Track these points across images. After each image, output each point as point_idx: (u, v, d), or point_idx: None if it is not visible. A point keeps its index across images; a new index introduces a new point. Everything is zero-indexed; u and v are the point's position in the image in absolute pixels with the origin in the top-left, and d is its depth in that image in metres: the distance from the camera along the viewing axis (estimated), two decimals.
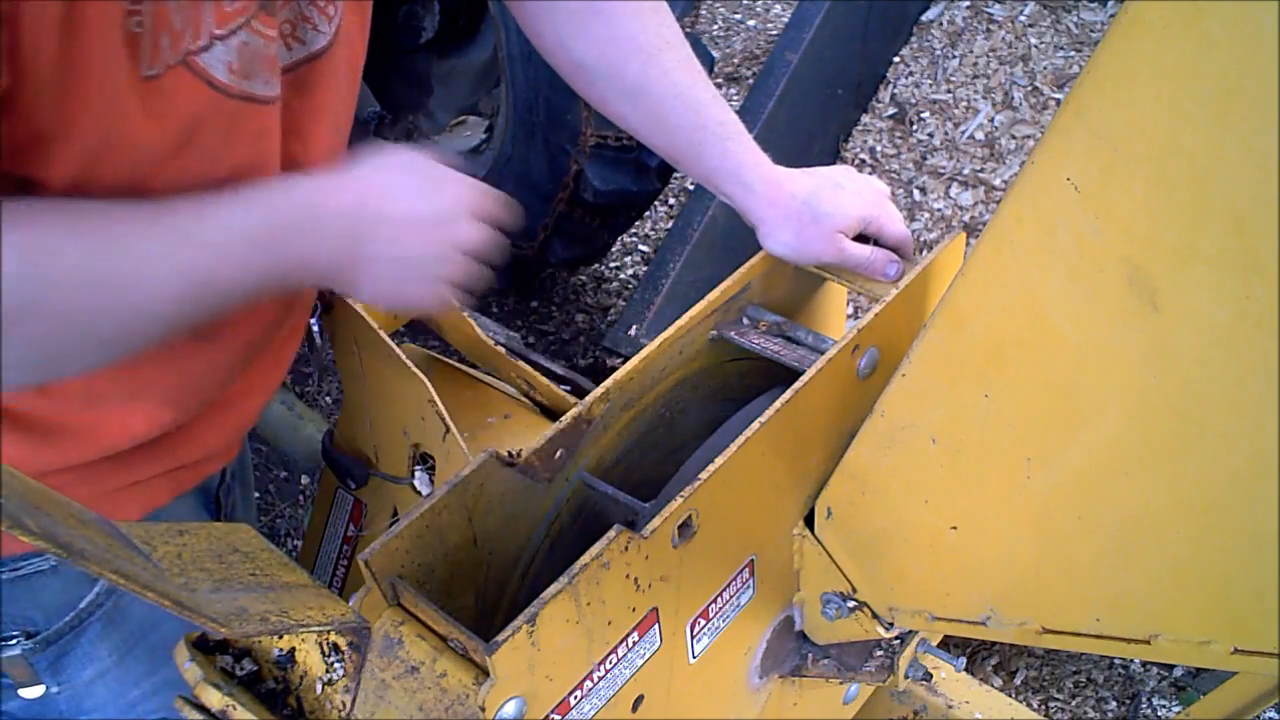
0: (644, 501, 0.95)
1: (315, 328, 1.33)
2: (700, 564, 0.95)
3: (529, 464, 0.96)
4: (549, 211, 2.67)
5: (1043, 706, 2.22)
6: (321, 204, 0.94)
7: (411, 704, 0.81)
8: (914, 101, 3.05)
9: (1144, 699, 2.20)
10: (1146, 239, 0.67)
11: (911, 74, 3.11)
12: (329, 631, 0.83)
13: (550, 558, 0.99)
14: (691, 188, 3.05)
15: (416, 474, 1.41)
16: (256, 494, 2.78)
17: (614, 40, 1.17)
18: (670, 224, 3.03)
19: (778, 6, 4.01)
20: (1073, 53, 3.03)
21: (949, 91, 3.04)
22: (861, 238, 1.20)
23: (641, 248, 3.34)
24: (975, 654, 2.28)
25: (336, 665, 0.85)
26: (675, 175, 3.08)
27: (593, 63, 1.19)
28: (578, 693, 0.87)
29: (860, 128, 3.07)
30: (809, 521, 1.07)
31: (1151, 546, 0.78)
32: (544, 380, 1.45)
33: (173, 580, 0.72)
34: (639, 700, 0.94)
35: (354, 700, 0.84)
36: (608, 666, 0.89)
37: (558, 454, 0.99)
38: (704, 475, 0.91)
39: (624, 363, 1.05)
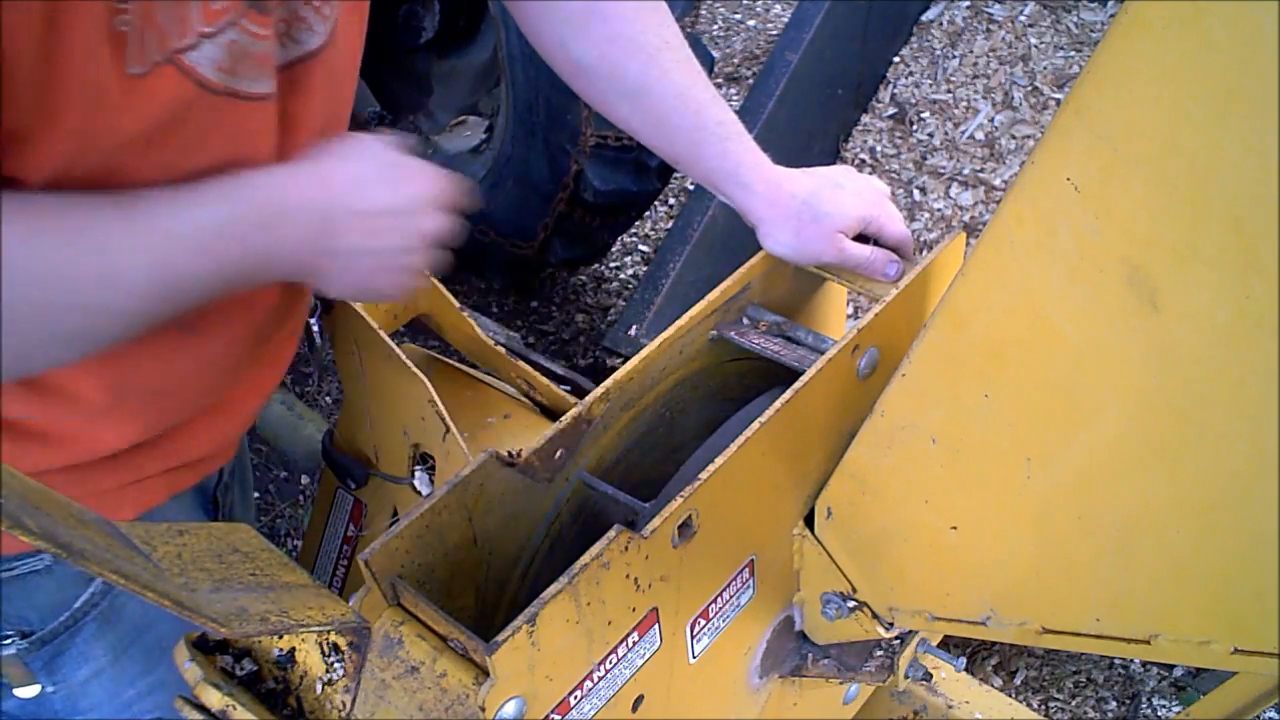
0: (644, 501, 0.95)
1: (315, 328, 1.33)
2: (700, 564, 0.95)
3: (529, 464, 0.96)
4: (549, 211, 2.67)
5: (1043, 706, 2.22)
6: (288, 197, 0.94)
7: (411, 704, 0.81)
8: (914, 101, 3.05)
9: (1144, 699, 2.20)
10: (1146, 239, 0.67)
11: (911, 74, 3.11)
12: (329, 631, 0.83)
13: (550, 558, 0.99)
14: (691, 188, 3.05)
15: (416, 474, 1.41)
16: (256, 494, 2.78)
17: (613, 41, 1.17)
18: (670, 224, 3.04)
19: (778, 6, 4.01)
20: (1073, 53, 3.03)
21: (949, 91, 3.04)
22: (861, 238, 1.20)
23: (641, 248, 3.34)
24: (975, 654, 2.29)
25: (336, 665, 0.85)
26: (675, 175, 3.08)
27: (592, 63, 1.19)
28: (578, 693, 0.87)
29: (860, 128, 3.07)
30: (809, 521, 1.07)
31: (1151, 546, 0.78)
32: (544, 380, 1.46)
33: (173, 580, 0.72)
34: (639, 700, 0.94)
35: (354, 700, 0.84)
36: (608, 666, 0.89)
37: (558, 454, 0.99)
38: (704, 475, 0.91)
39: (624, 363, 1.05)
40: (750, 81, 3.51)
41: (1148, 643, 0.82)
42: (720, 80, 3.68)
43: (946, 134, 2.96)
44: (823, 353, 1.05)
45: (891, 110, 3.07)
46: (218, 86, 0.87)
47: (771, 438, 0.97)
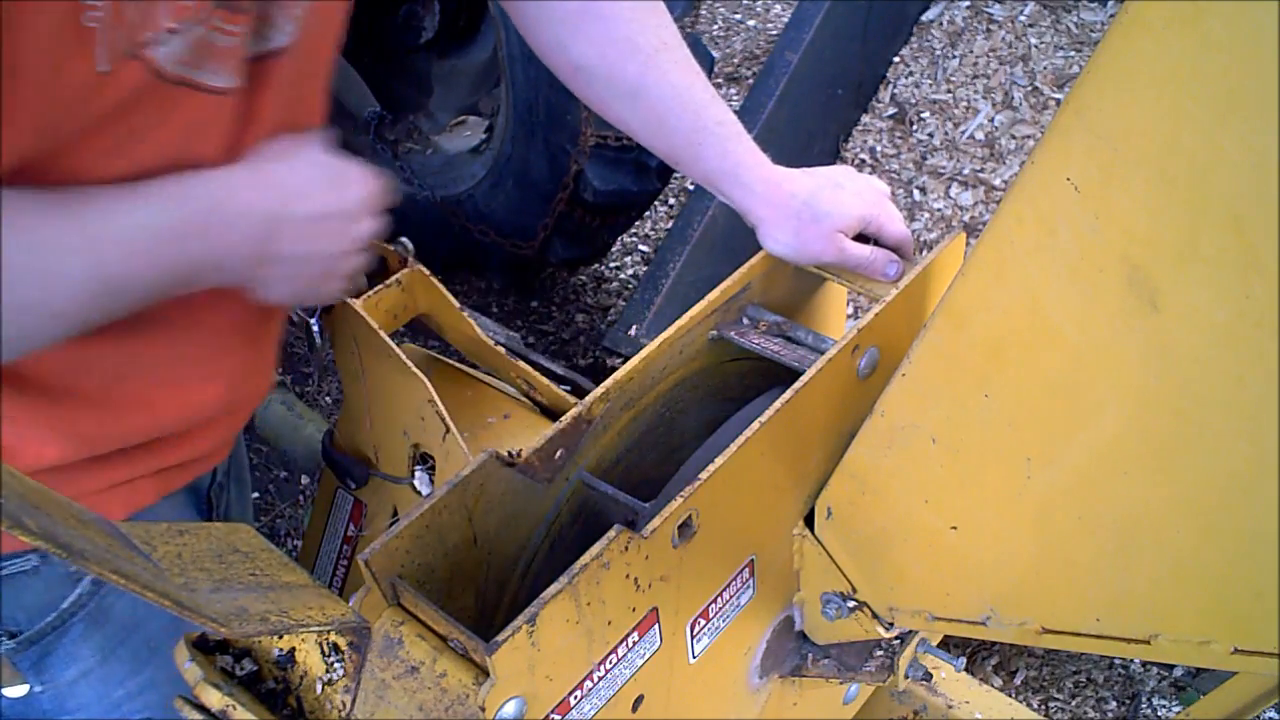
0: (644, 501, 0.95)
1: (315, 328, 1.33)
2: (700, 564, 0.95)
3: (529, 464, 0.96)
4: (549, 211, 2.68)
5: (1043, 706, 2.22)
6: (230, 203, 0.93)
7: (411, 704, 0.81)
8: (914, 101, 3.05)
9: (1144, 699, 2.20)
10: (1146, 239, 0.67)
11: (911, 74, 3.11)
12: (329, 631, 0.83)
13: (550, 558, 0.99)
14: (691, 188, 3.05)
15: (416, 474, 1.41)
16: (256, 494, 2.78)
17: (611, 42, 1.17)
18: (670, 224, 3.04)
19: (778, 6, 4.01)
20: (1073, 53, 3.03)
21: (949, 91, 3.04)
22: (861, 238, 1.20)
23: (641, 248, 3.34)
24: (975, 654, 2.29)
25: (336, 665, 0.84)
26: (675, 175, 3.08)
27: (590, 64, 1.18)
28: (578, 693, 0.87)
29: (860, 128, 3.07)
30: (809, 521, 1.07)
31: (1151, 546, 0.78)
32: (544, 380, 1.45)
33: (173, 580, 0.72)
34: (639, 700, 0.94)
35: (354, 700, 0.84)
36: (608, 666, 0.89)
37: (558, 454, 0.99)
38: (704, 475, 0.91)
39: (624, 363, 1.05)
40: (750, 81, 3.51)
41: (1148, 643, 0.82)
42: (720, 80, 3.68)
43: (946, 134, 2.96)
44: (823, 353, 1.05)
45: (891, 110, 3.07)
46: (171, 76, 0.86)
47: (771, 438, 0.97)
